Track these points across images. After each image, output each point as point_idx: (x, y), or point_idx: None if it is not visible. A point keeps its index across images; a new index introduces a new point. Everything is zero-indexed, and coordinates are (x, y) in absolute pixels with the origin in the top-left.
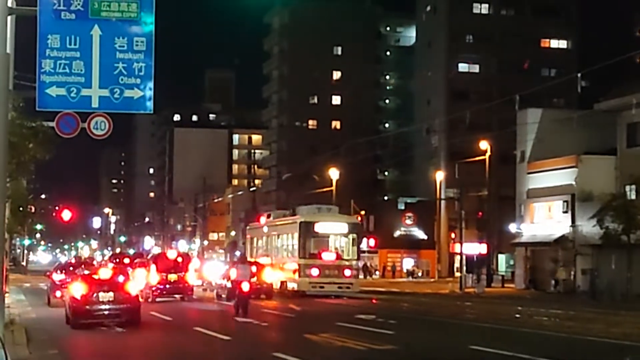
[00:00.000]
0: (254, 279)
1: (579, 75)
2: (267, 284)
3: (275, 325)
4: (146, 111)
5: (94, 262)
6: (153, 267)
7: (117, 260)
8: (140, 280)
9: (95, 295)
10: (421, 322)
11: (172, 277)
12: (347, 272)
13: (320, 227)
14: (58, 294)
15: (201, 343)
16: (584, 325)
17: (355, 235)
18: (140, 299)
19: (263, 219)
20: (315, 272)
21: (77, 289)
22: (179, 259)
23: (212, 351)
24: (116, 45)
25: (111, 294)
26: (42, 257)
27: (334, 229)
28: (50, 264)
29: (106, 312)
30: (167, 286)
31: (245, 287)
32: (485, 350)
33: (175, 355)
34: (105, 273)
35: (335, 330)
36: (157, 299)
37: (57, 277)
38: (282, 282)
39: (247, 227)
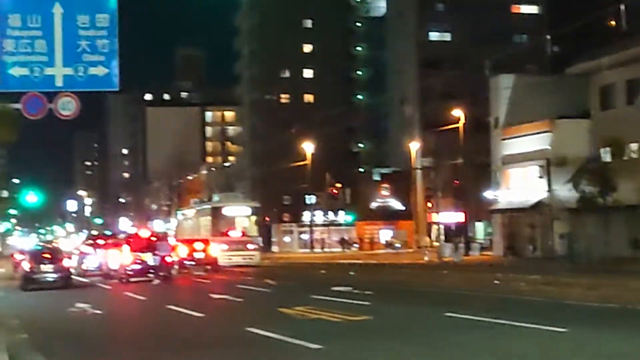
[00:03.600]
0: (202, 254)
1: (549, 38)
2: (212, 257)
3: (250, 300)
4: (112, 88)
5: (54, 245)
6: (126, 247)
7: (93, 241)
8: (114, 261)
9: (39, 267)
10: (398, 292)
11: (146, 256)
12: (250, 246)
13: (227, 211)
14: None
15: (174, 321)
16: (562, 289)
17: (256, 216)
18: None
19: (192, 204)
20: (224, 247)
21: (26, 263)
22: (153, 239)
23: (185, 329)
24: (78, 23)
25: (51, 265)
26: (20, 242)
27: (239, 212)
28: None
29: (47, 279)
30: (141, 266)
31: (169, 259)
32: (460, 317)
33: (147, 334)
34: (47, 252)
35: (310, 303)
36: (131, 279)
37: (18, 257)
38: None
39: (177, 212)
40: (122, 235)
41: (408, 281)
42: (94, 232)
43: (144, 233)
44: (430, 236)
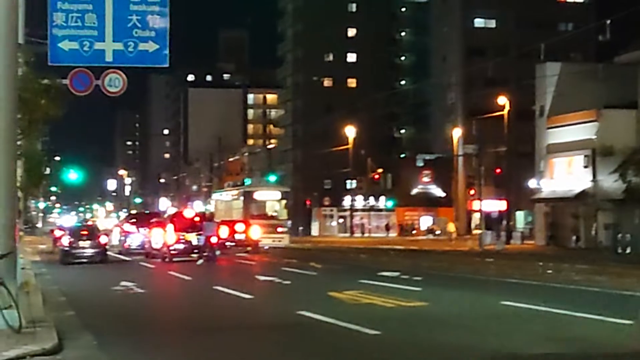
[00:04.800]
0: (242, 236)
1: (601, 23)
2: (253, 240)
3: (298, 283)
4: (162, 64)
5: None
6: (170, 226)
7: (134, 220)
8: (158, 240)
9: (77, 242)
10: (446, 279)
11: (190, 236)
12: (280, 229)
13: (258, 195)
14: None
15: (223, 302)
16: (615, 279)
17: (285, 200)
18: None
19: (226, 186)
20: None
21: (65, 239)
22: (196, 219)
23: (235, 310)
24: None
25: (89, 241)
26: (59, 220)
27: (269, 196)
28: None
29: (85, 254)
30: (185, 246)
31: (214, 240)
32: (518, 306)
33: (197, 315)
34: (85, 229)
35: (360, 288)
36: (174, 259)
37: (58, 233)
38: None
39: (213, 193)
40: (165, 215)
41: (453, 268)
42: (133, 211)
43: (189, 213)
44: (456, 223)
